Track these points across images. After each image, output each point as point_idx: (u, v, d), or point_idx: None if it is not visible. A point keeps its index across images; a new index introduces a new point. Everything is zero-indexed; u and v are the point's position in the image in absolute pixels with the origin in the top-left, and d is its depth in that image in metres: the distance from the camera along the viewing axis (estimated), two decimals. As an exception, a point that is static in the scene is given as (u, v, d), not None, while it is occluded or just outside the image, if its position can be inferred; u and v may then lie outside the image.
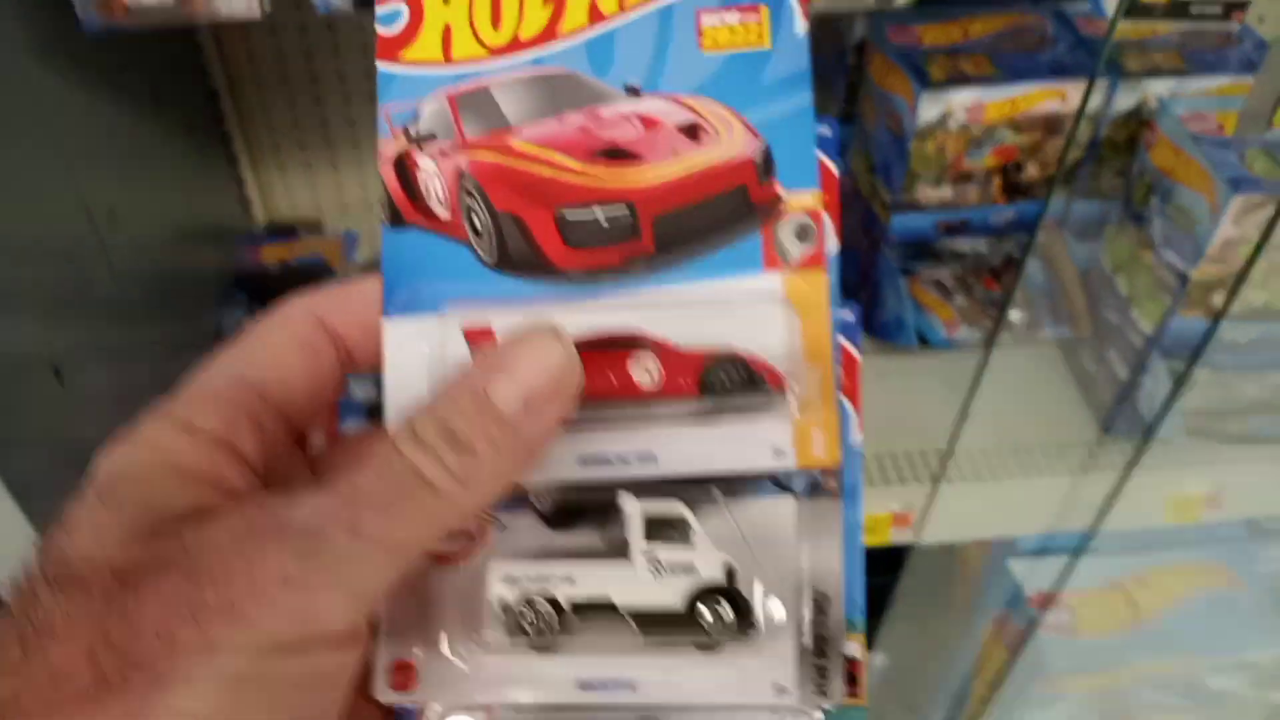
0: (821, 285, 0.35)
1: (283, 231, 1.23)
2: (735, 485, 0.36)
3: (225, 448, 0.32)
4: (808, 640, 0.35)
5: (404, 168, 0.37)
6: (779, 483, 0.36)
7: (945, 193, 0.98)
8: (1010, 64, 0.93)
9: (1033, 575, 1.11)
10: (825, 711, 0.35)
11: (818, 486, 0.35)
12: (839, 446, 0.34)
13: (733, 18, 0.36)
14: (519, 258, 0.36)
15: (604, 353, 0.34)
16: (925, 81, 0.90)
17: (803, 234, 0.35)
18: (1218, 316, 0.81)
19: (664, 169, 0.36)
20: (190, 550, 0.28)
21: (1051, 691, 1.16)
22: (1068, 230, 1.03)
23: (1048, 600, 1.04)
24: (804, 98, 0.36)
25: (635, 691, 0.35)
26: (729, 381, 0.34)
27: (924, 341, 1.03)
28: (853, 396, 0.36)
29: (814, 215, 0.35)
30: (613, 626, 0.35)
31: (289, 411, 0.34)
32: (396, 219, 0.37)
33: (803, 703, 0.35)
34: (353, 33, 1.13)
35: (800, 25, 0.36)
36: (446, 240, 0.36)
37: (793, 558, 0.35)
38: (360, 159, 1.24)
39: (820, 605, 0.35)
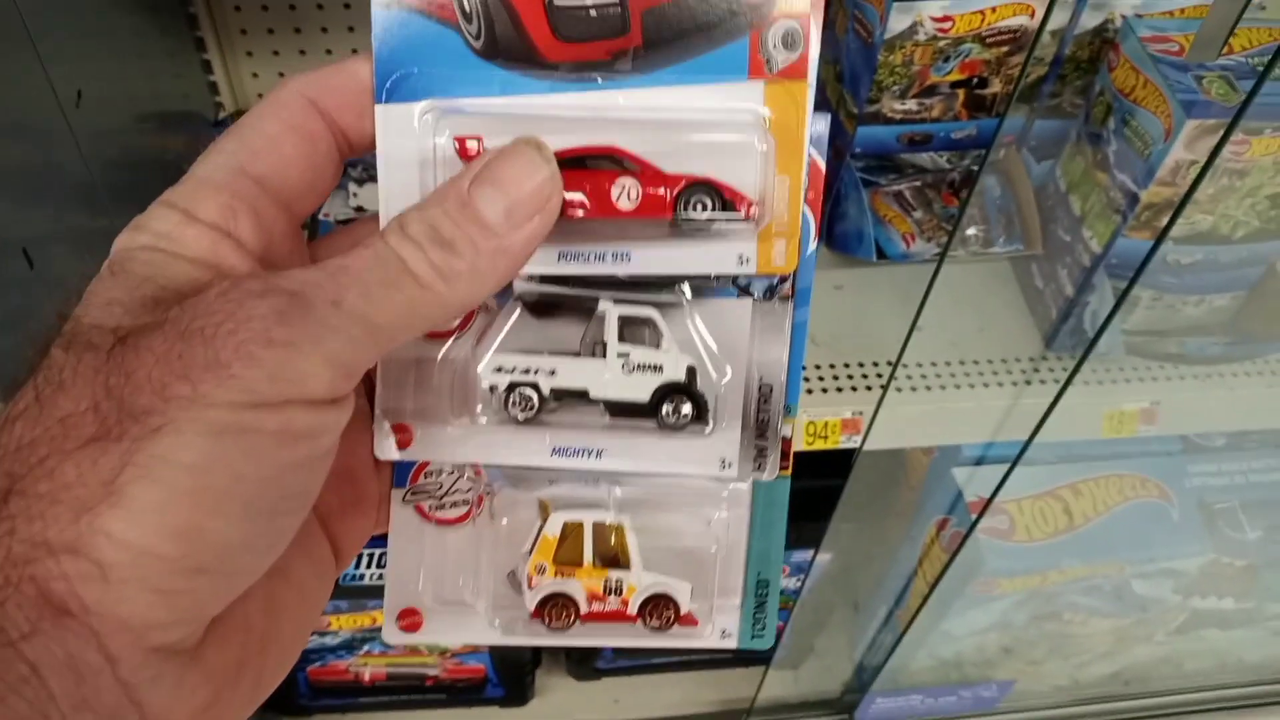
0: (802, 95, 0.36)
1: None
2: (700, 285, 0.39)
3: (225, 234, 0.33)
4: (752, 423, 0.40)
5: None
6: (740, 285, 0.39)
7: (910, 105, 0.99)
8: (980, -22, 0.93)
9: (974, 482, 1.15)
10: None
11: (773, 289, 0.39)
12: (798, 254, 0.38)
13: None
14: (507, 46, 0.36)
15: (586, 170, 0.36)
16: (896, -9, 0.91)
17: (789, 40, 0.36)
18: (1160, 237, 0.84)
19: None
20: (184, 313, 0.30)
21: (987, 592, 1.22)
22: (1027, 148, 1.05)
23: (986, 505, 1.08)
24: None
25: (600, 458, 0.40)
26: (703, 206, 0.36)
27: (881, 254, 1.05)
28: (815, 206, 0.38)
29: (802, 20, 0.36)
30: (586, 410, 0.40)
31: (287, 197, 0.36)
32: None
33: (742, 476, 0.41)
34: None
35: None
36: (436, 22, 0.36)
37: (745, 352, 0.40)
38: (330, 44, 1.23)
39: (765, 394, 0.40)
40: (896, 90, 0.98)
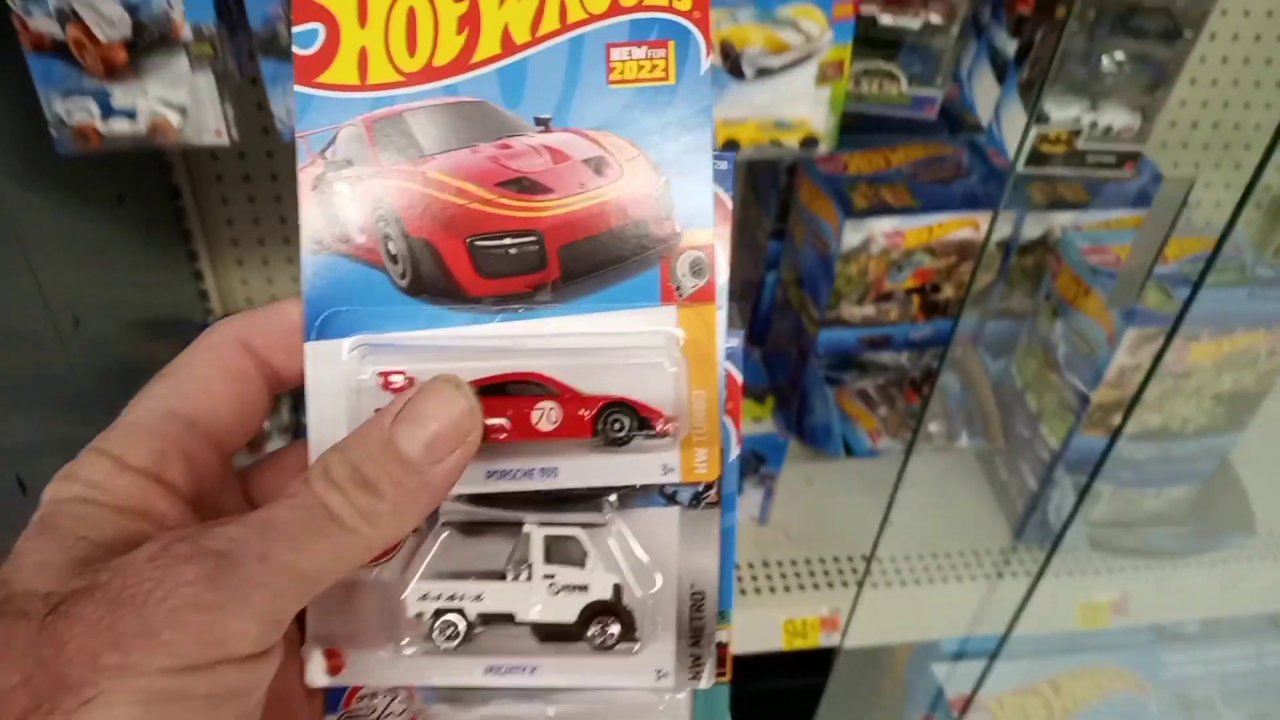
0: (711, 316, 0.38)
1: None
2: (627, 495, 0.40)
3: (156, 480, 0.34)
4: (686, 631, 0.40)
5: (321, 193, 0.38)
6: (665, 494, 0.40)
7: (868, 310, 1.04)
8: (928, 194, 1.00)
9: (953, 678, 1.15)
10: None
11: (699, 497, 0.40)
12: (720, 463, 0.39)
13: (640, 52, 0.38)
14: (432, 283, 0.38)
15: (506, 396, 0.37)
16: (849, 210, 0.97)
17: (696, 269, 0.38)
18: (1113, 438, 0.87)
19: (570, 202, 0.38)
20: (114, 578, 0.30)
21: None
22: (982, 347, 1.10)
23: (967, 703, 1.08)
24: (704, 135, 0.38)
25: (534, 674, 0.40)
26: (620, 425, 0.38)
27: (849, 450, 1.08)
28: (734, 416, 0.39)
29: (708, 251, 0.38)
30: (515, 632, 0.40)
31: (218, 437, 0.36)
32: (315, 244, 0.38)
33: (678, 685, 0.40)
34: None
35: (704, 63, 0.38)
36: (364, 265, 0.38)
37: (675, 560, 0.40)
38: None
39: (697, 600, 0.40)
40: (854, 297, 1.03)
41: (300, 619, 0.40)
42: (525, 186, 0.38)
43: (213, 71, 0.71)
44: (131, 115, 0.71)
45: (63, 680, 0.28)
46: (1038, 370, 1.01)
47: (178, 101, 0.71)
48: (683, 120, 0.38)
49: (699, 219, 0.38)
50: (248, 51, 0.74)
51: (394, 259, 0.38)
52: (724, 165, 0.38)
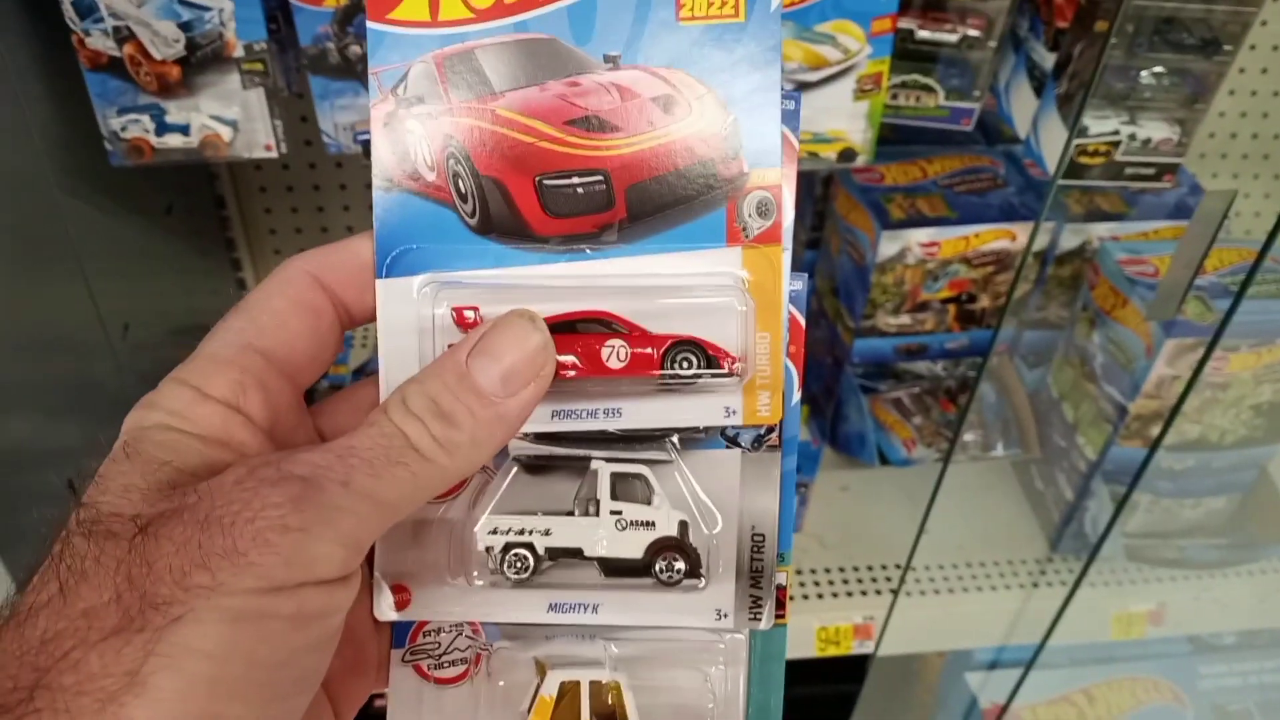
0: (777, 258, 0.38)
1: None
2: (689, 438, 0.40)
3: (235, 410, 0.35)
4: (746, 572, 0.40)
5: (392, 130, 0.38)
6: (728, 437, 0.40)
7: (904, 320, 1.05)
8: (964, 205, 1.00)
9: (987, 687, 1.15)
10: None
11: (760, 440, 0.40)
12: (782, 406, 0.39)
13: None
14: (500, 222, 0.38)
15: (576, 334, 0.38)
16: (886, 221, 0.98)
17: (763, 209, 0.38)
18: (1152, 449, 0.87)
19: (638, 140, 0.38)
20: (202, 500, 0.31)
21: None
22: (1019, 357, 1.10)
23: (1001, 712, 1.08)
24: (773, 74, 0.37)
25: (597, 613, 0.40)
26: (689, 363, 0.38)
27: (884, 459, 1.08)
28: (796, 360, 0.39)
29: (774, 191, 0.38)
30: (581, 567, 0.41)
31: (292, 371, 0.37)
32: (386, 181, 0.38)
33: (738, 626, 0.41)
34: (359, 171, 1.19)
35: (775, 0, 0.38)
36: (433, 203, 0.38)
37: (736, 502, 0.40)
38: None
39: (757, 542, 0.40)
40: (890, 306, 1.03)
41: (368, 555, 0.40)
42: (593, 125, 0.38)
43: (263, 88, 0.73)
44: (185, 130, 0.73)
45: (152, 598, 0.29)
46: (1074, 380, 1.01)
47: (229, 117, 0.73)
48: (752, 58, 0.37)
49: (766, 159, 0.38)
50: (295, 68, 0.75)
51: (463, 197, 0.38)
52: (791, 105, 0.38)
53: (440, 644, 0.41)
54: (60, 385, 0.83)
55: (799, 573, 1.05)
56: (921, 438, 1.07)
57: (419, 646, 0.42)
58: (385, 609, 0.40)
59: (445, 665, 0.42)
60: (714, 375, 0.38)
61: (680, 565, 0.40)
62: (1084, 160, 0.83)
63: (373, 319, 0.38)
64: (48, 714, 0.28)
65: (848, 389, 1.10)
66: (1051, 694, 1.14)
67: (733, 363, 0.38)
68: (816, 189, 1.17)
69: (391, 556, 0.40)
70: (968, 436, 1.08)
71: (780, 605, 0.41)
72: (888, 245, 0.97)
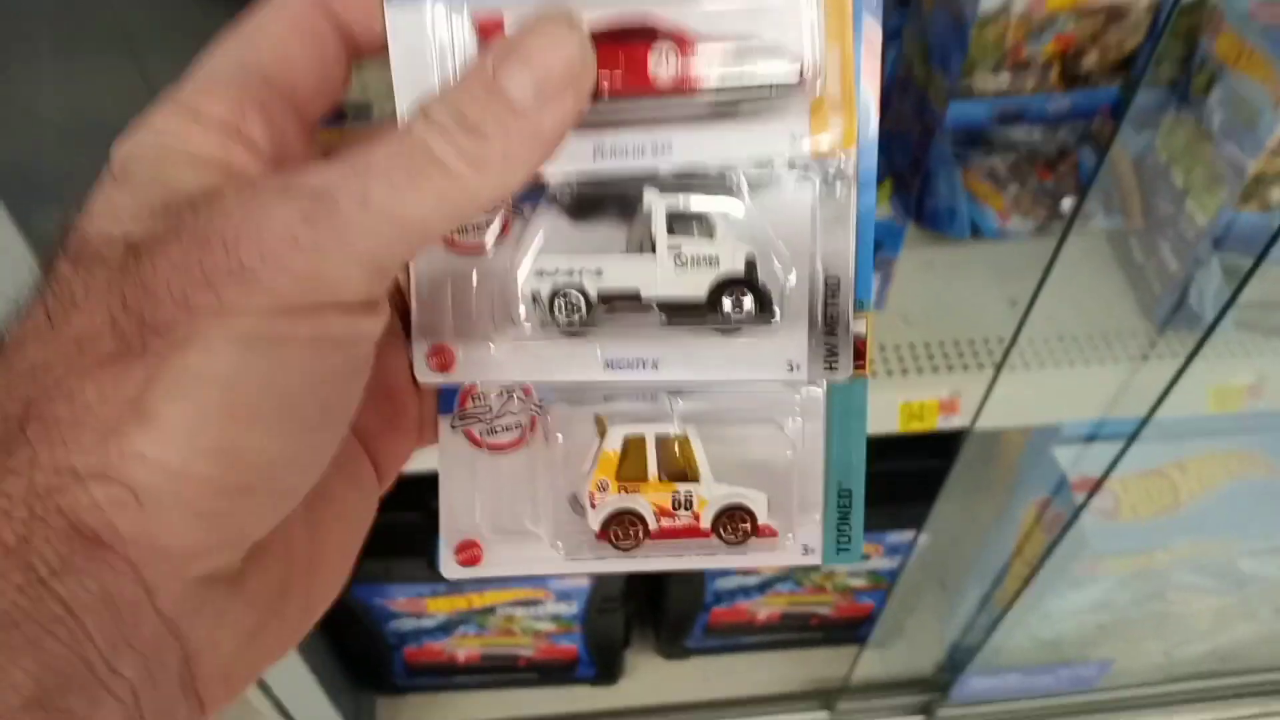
0: None
1: (332, 116, 1.24)
2: (754, 177, 0.36)
3: (234, 133, 0.31)
4: (819, 320, 0.37)
5: None
6: (797, 170, 0.36)
7: (1003, 81, 0.98)
8: (1076, -52, 0.91)
9: (1077, 461, 1.13)
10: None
11: (834, 174, 0.36)
12: (855, 132, 0.35)
13: None
14: None
15: (620, 44, 0.33)
16: (989, -33, 0.89)
17: None
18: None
19: None
20: (201, 217, 0.28)
21: (1090, 572, 1.20)
22: (1123, 119, 1.03)
23: (1094, 486, 1.07)
24: None
25: (657, 369, 0.37)
26: (749, 70, 0.33)
27: (976, 232, 1.03)
28: (872, 80, 0.35)
29: None
30: (638, 314, 0.37)
31: (296, 99, 0.33)
32: None
33: (812, 377, 0.37)
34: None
35: None
36: None
37: (808, 243, 0.36)
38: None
39: (831, 288, 0.36)
40: (989, 65, 0.96)
41: (403, 313, 0.38)
42: None
43: None
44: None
45: (150, 323, 0.26)
46: (1187, 142, 0.94)
47: None
48: None
49: None
50: None
51: None
52: None
53: (491, 408, 0.39)
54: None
55: (882, 349, 1.02)
56: (1018, 208, 1.02)
57: (469, 412, 0.39)
58: (426, 371, 0.37)
59: (499, 431, 0.39)
60: (777, 86, 0.33)
61: (748, 303, 0.36)
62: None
63: (381, 51, 0.34)
64: (43, 447, 0.26)
65: (938, 159, 1.04)
66: (1143, 467, 1.13)
67: (799, 67, 0.33)
68: (908, -61, 1.07)
69: (430, 315, 0.37)
70: (1064, 205, 1.02)
71: (859, 355, 0.37)
72: (992, -5, 0.89)
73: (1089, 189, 0.94)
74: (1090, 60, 0.96)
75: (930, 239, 1.10)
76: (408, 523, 0.87)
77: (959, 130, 1.03)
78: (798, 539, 0.39)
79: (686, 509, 0.39)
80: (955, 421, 1.01)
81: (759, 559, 0.40)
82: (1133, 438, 0.97)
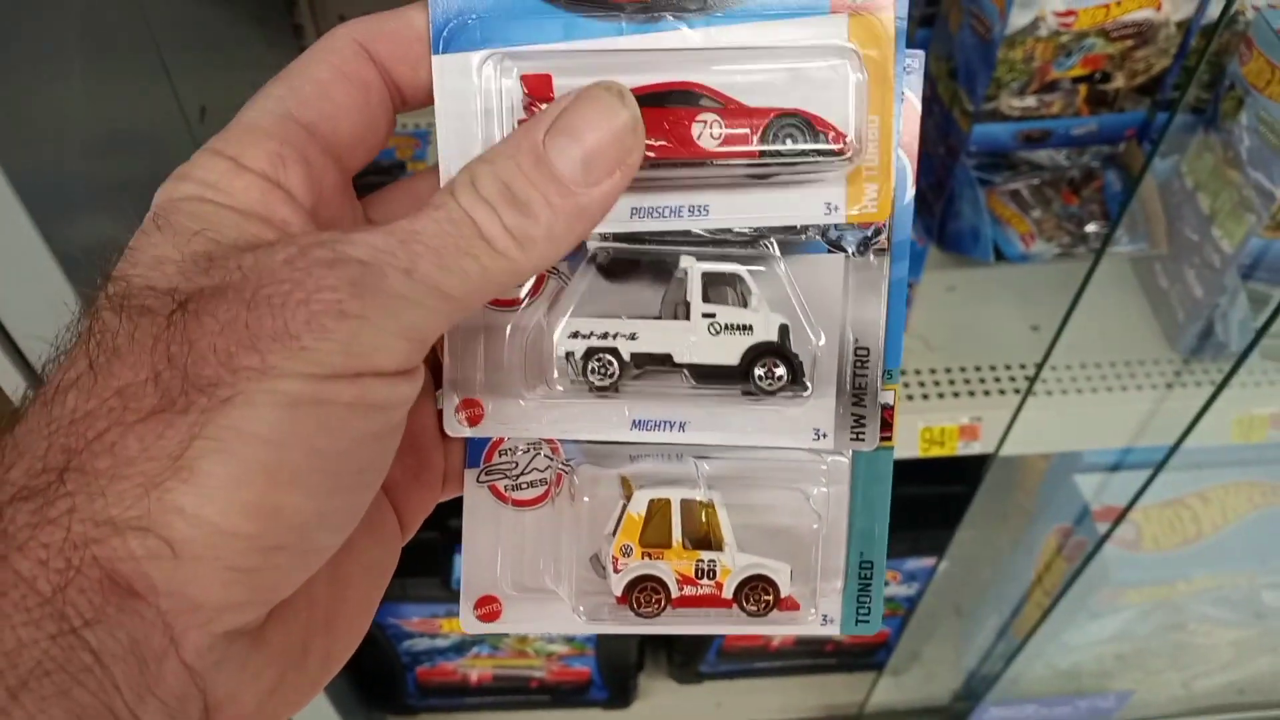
0: (889, 28, 0.33)
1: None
2: (786, 241, 0.36)
3: (275, 185, 0.31)
4: (848, 388, 0.37)
5: None
6: (830, 240, 0.36)
7: (1029, 102, 0.97)
8: (1104, -30, 0.91)
9: (1097, 490, 1.12)
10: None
11: (867, 243, 0.36)
12: (891, 202, 0.35)
13: None
14: None
15: (665, 109, 0.33)
16: (1016, -13, 0.89)
17: None
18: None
19: None
20: (248, 277, 0.28)
21: (1112, 602, 1.18)
22: (1148, 142, 1.02)
23: (1117, 515, 1.05)
24: None
25: (684, 431, 0.37)
26: (793, 138, 0.34)
27: (999, 255, 1.03)
28: (910, 151, 0.35)
29: None
30: (668, 377, 0.37)
31: (338, 149, 0.33)
32: None
33: (838, 446, 0.37)
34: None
35: None
36: None
37: (839, 312, 0.37)
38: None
39: (860, 357, 0.37)
40: (1015, 87, 0.95)
41: (434, 363, 0.38)
42: None
43: None
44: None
45: (195, 380, 0.27)
46: (1214, 167, 0.93)
47: None
48: None
49: None
50: None
51: None
52: None
53: (518, 464, 0.39)
54: (144, 174, 0.80)
55: (903, 373, 1.01)
56: (1041, 232, 1.01)
57: (495, 466, 0.39)
58: (456, 424, 0.37)
59: (524, 487, 0.39)
60: (822, 153, 0.33)
61: (781, 372, 0.36)
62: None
63: (427, 101, 0.34)
64: (82, 498, 0.26)
65: (962, 181, 1.04)
66: (1164, 497, 1.12)
67: (841, 137, 0.33)
68: (932, -40, 1.07)
69: (462, 368, 0.37)
70: (1088, 228, 1.01)
71: (886, 426, 0.37)
72: (1019, 15, 0.88)
73: (1120, 216, 0.93)
74: (1117, 82, 0.96)
75: (952, 261, 1.10)
76: (424, 542, 0.86)
77: (983, 152, 1.02)
78: (819, 609, 0.40)
79: (709, 578, 0.39)
80: (975, 447, 1.00)
81: (780, 629, 0.40)
82: (1160, 467, 0.96)
